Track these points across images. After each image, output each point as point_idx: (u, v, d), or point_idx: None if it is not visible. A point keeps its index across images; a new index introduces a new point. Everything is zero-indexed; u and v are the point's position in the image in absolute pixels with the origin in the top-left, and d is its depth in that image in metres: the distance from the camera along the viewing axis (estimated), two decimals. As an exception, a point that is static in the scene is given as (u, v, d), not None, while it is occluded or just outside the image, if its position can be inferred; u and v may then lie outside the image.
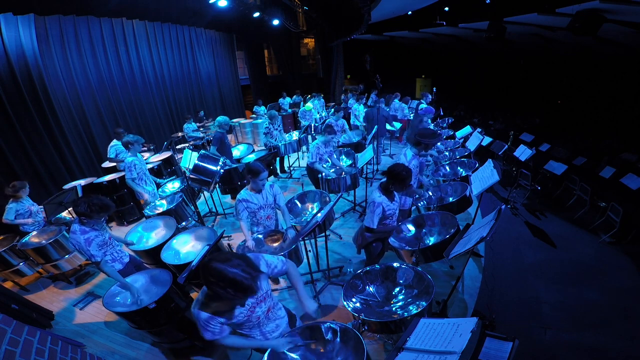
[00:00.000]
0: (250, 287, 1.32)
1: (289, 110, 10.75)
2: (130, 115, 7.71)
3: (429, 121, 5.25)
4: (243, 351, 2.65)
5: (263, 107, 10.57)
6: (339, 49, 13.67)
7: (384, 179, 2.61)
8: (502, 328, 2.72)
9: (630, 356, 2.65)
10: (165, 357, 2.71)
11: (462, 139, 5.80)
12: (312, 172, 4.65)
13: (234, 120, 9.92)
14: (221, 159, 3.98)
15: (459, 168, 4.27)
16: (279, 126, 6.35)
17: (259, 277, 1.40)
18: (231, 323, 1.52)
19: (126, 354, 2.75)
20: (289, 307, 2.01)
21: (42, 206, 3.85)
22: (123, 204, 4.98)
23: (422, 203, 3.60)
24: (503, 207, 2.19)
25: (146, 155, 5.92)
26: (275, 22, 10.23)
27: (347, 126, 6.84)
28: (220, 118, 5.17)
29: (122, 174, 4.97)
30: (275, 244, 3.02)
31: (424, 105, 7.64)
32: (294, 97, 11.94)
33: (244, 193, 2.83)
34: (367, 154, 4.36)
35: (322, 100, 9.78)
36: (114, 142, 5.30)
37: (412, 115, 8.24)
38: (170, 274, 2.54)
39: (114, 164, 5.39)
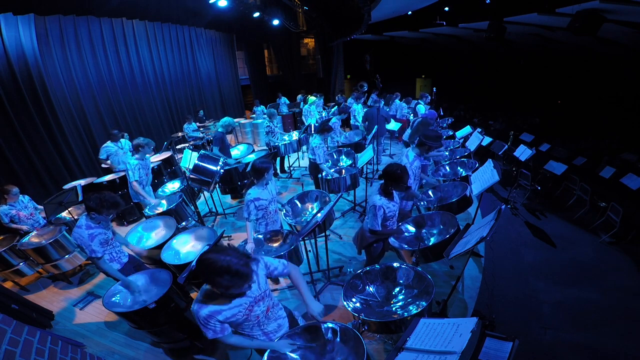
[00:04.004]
0: (245, 272, 1.38)
1: (286, 111, 10.74)
2: (130, 115, 7.71)
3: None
4: (243, 351, 2.65)
5: (262, 107, 10.57)
6: (339, 49, 13.67)
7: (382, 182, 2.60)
8: (502, 328, 2.72)
9: (630, 356, 2.65)
10: (165, 357, 2.71)
11: (462, 139, 5.80)
12: (314, 170, 4.66)
13: (234, 120, 9.91)
14: (221, 159, 3.98)
15: (459, 168, 4.27)
16: (277, 124, 6.35)
17: (254, 265, 1.48)
18: (230, 322, 1.53)
19: (126, 354, 2.75)
20: (290, 307, 2.02)
21: (41, 206, 3.86)
22: (123, 204, 4.98)
23: (422, 203, 3.60)
24: (503, 207, 2.19)
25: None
26: (275, 22, 10.23)
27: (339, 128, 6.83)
28: (225, 119, 5.18)
29: (122, 174, 4.97)
30: (275, 244, 3.02)
31: (421, 106, 7.64)
32: (298, 96, 11.94)
33: (254, 192, 2.82)
34: (367, 154, 4.36)
35: (322, 100, 9.78)
36: (108, 143, 5.24)
37: (411, 115, 8.24)
38: (170, 274, 2.54)
39: (107, 165, 5.36)
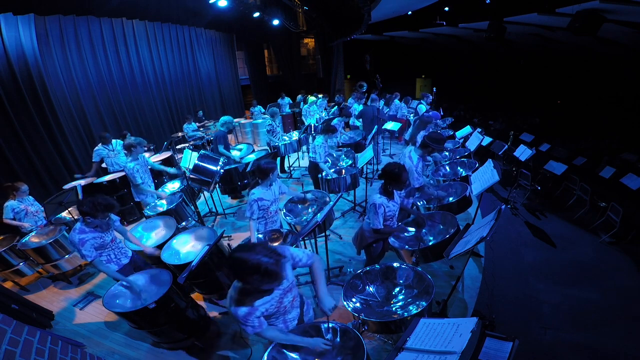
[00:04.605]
0: (275, 271, 1.38)
1: (288, 111, 10.74)
2: (130, 115, 7.71)
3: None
4: (243, 351, 2.65)
5: (259, 107, 10.55)
6: (339, 49, 13.67)
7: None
8: (502, 328, 2.72)
9: (630, 356, 2.65)
10: (165, 357, 2.71)
11: (462, 139, 5.80)
12: (314, 170, 4.66)
13: (234, 120, 9.90)
14: (221, 159, 3.98)
15: (459, 168, 4.27)
16: (278, 124, 6.35)
17: (283, 263, 1.46)
18: (265, 315, 1.57)
19: (126, 354, 2.75)
20: None
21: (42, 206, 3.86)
22: (123, 204, 4.98)
23: (421, 202, 3.61)
24: (503, 207, 2.19)
25: (146, 154, 5.89)
26: (275, 22, 10.23)
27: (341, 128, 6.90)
28: (224, 118, 5.18)
29: (122, 174, 4.98)
30: (275, 244, 3.02)
31: (423, 106, 7.64)
32: (298, 97, 11.94)
33: (258, 192, 2.83)
34: (367, 154, 4.36)
35: (326, 101, 9.76)
36: (99, 146, 5.19)
37: (411, 115, 8.24)
38: (170, 274, 2.54)
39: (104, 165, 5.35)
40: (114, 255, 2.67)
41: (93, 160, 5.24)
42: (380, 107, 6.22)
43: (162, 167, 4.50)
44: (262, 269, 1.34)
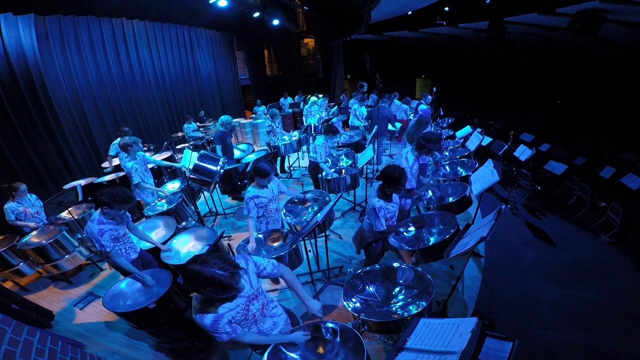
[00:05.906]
0: (228, 284, 1.36)
1: (289, 111, 10.74)
2: (130, 115, 7.71)
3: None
4: (243, 351, 2.65)
5: (263, 107, 10.55)
6: (339, 49, 13.67)
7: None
8: (502, 328, 2.72)
9: (630, 356, 2.65)
10: (165, 357, 2.71)
11: (462, 139, 5.80)
12: (314, 170, 4.66)
13: (234, 120, 9.89)
14: (221, 159, 3.98)
15: (459, 168, 4.27)
16: (279, 124, 6.35)
17: (239, 274, 1.43)
18: (233, 322, 1.54)
19: (126, 354, 2.75)
20: (290, 307, 2.02)
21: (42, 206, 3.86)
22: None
23: (422, 203, 3.61)
24: (503, 207, 2.19)
25: (148, 154, 5.89)
26: (275, 22, 10.22)
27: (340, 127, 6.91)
28: (223, 117, 5.18)
29: (123, 173, 4.98)
30: (275, 244, 3.02)
31: (423, 106, 7.65)
32: (296, 97, 11.93)
33: (252, 190, 2.84)
34: (367, 154, 4.36)
35: (326, 101, 9.77)
36: (118, 140, 5.27)
37: (411, 115, 8.25)
38: (170, 274, 2.54)
39: (116, 163, 5.38)
40: (124, 249, 2.69)
41: (109, 154, 5.38)
42: (386, 107, 6.22)
43: (167, 163, 4.53)
44: (216, 281, 1.33)
